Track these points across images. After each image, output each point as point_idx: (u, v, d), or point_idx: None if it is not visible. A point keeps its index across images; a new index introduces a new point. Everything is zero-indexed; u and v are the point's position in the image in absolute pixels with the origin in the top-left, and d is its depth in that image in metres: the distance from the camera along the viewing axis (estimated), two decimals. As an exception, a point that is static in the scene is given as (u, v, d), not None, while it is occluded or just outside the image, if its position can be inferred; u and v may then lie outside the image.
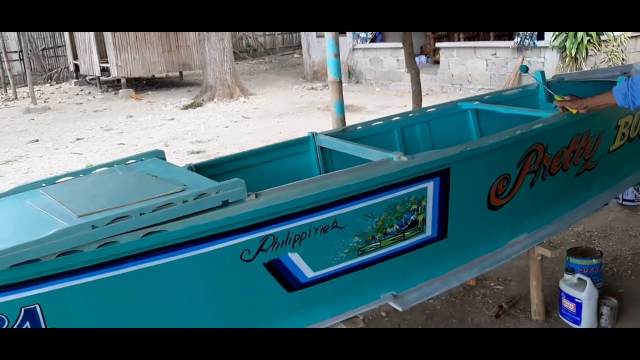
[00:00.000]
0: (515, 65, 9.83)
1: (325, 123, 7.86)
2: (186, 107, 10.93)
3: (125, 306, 1.87)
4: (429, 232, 2.43)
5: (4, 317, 1.69)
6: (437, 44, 11.74)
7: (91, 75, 15.26)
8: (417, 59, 12.44)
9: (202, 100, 11.32)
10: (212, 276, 1.99)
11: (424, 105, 5.05)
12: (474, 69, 10.69)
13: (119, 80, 13.87)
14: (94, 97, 13.64)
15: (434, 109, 3.33)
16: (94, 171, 2.37)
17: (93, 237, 1.71)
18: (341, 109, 3.59)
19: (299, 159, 2.82)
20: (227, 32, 11.82)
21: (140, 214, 1.78)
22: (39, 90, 14.09)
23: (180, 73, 15.33)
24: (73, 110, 11.72)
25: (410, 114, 3.22)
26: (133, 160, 2.46)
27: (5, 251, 1.61)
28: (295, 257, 2.12)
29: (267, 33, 21.95)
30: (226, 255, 1.97)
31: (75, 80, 16.27)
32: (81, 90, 14.98)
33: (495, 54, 10.37)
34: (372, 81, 12.51)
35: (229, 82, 11.63)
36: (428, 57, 12.80)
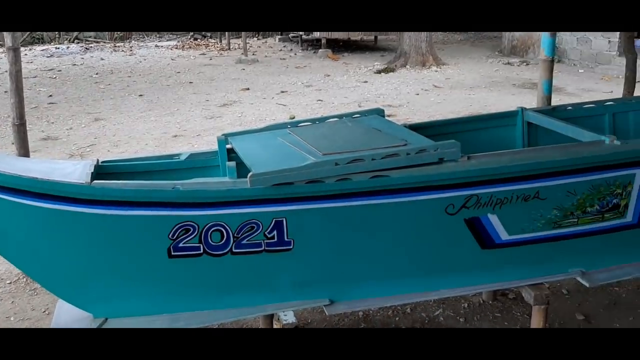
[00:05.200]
0: None
1: (519, 101, 7.69)
2: (379, 72, 11.32)
3: (347, 232, 2.26)
4: (629, 218, 2.47)
5: (259, 223, 2.17)
6: (661, 27, 10.56)
7: (294, 34, 16.38)
8: (638, 41, 11.37)
9: (395, 65, 11.62)
10: (420, 221, 2.30)
11: (636, 93, 4.79)
12: (702, 58, 9.48)
13: (318, 40, 14.73)
14: (295, 54, 14.66)
15: (652, 97, 3.23)
16: (327, 120, 2.79)
17: (334, 171, 2.11)
18: (549, 88, 3.61)
19: (504, 131, 2.98)
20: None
21: (372, 159, 2.14)
22: (248, 43, 15.48)
23: (375, 37, 15.76)
24: (277, 64, 12.79)
25: (626, 100, 3.17)
26: (358, 115, 2.84)
27: (272, 172, 2.09)
28: (493, 219, 2.34)
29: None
30: (434, 205, 2.26)
31: (279, 36, 17.58)
32: (284, 46, 16.18)
33: None
34: (576, 62, 11.71)
35: (424, 50, 11.75)
36: (647, 40, 11.59)
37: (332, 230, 2.24)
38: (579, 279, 2.48)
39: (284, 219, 2.18)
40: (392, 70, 11.38)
